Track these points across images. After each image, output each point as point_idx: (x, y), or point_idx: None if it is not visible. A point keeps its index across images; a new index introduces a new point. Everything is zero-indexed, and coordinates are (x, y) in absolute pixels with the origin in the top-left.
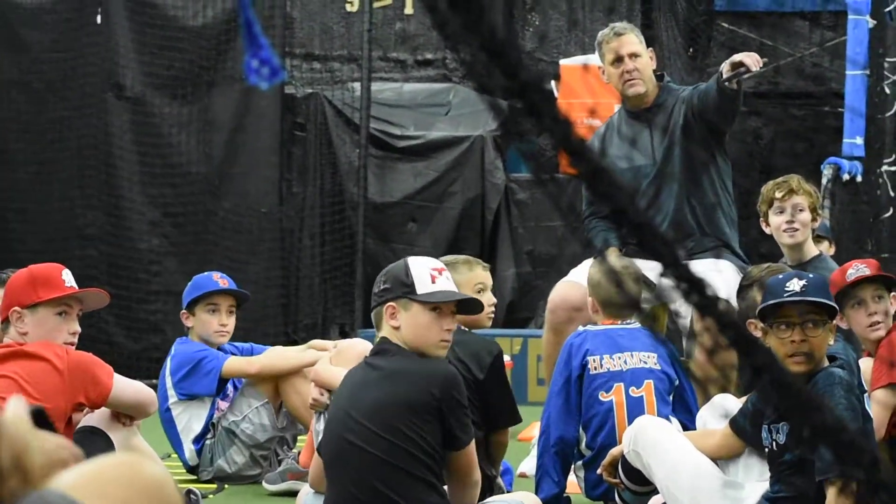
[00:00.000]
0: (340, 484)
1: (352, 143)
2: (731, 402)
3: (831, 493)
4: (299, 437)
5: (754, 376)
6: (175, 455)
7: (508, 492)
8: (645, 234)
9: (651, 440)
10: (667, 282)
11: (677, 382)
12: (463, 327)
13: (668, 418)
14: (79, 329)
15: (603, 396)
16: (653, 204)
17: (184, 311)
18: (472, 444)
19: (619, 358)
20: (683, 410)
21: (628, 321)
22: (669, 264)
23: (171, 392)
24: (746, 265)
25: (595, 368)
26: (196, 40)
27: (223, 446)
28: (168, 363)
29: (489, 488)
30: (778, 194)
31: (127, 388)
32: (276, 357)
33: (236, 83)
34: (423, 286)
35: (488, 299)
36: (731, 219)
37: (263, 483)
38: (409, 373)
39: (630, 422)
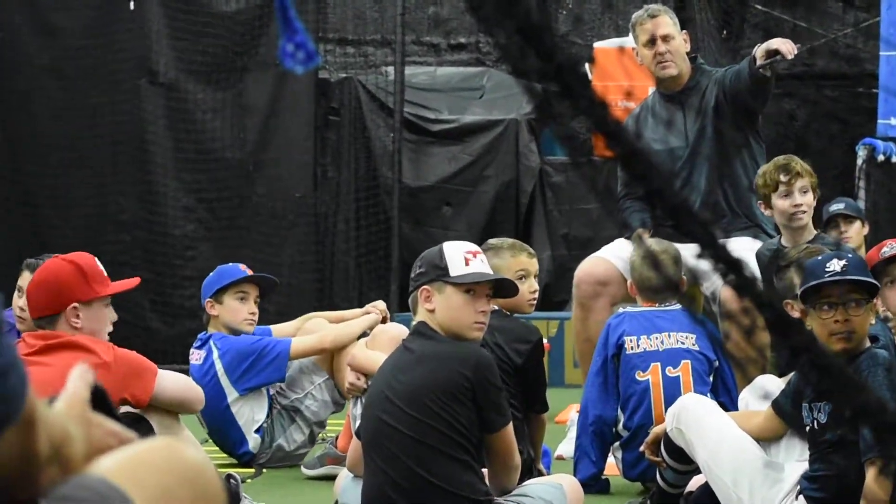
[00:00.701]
0: (377, 465)
1: (386, 128)
2: (771, 383)
3: (871, 474)
4: (330, 421)
5: (793, 357)
6: (211, 439)
7: (547, 474)
8: (681, 215)
9: (694, 418)
10: (704, 263)
11: (717, 364)
12: (505, 311)
13: (707, 393)
14: (116, 316)
15: (640, 376)
16: (686, 185)
17: (208, 300)
18: (510, 427)
19: (657, 338)
20: (724, 392)
21: (667, 304)
22: (706, 245)
23: (229, 391)
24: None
25: (632, 348)
26: (230, 25)
27: (283, 425)
28: (217, 363)
29: (528, 471)
30: (783, 178)
31: (171, 387)
32: (344, 327)
33: (270, 68)
34: (456, 269)
35: (530, 286)
36: None
37: (302, 468)
38: (441, 356)
39: (667, 402)
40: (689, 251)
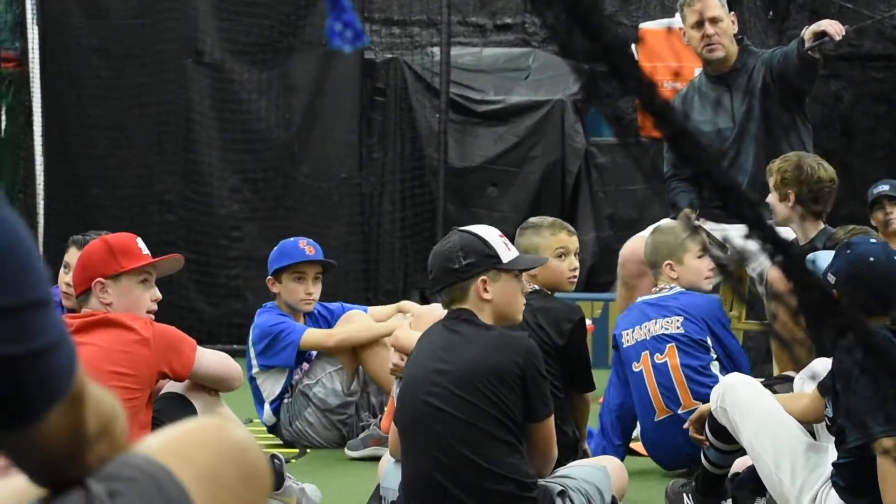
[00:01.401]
0: (421, 449)
1: (431, 108)
2: (819, 364)
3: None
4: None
5: (839, 336)
6: (257, 420)
7: (592, 455)
8: (729, 195)
9: (738, 398)
10: (752, 243)
11: (708, 340)
12: (546, 290)
13: (703, 373)
14: (160, 296)
15: (635, 367)
16: (733, 165)
17: (270, 277)
18: (552, 420)
19: (644, 328)
20: (733, 370)
21: (665, 287)
22: (755, 225)
23: (254, 362)
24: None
25: (627, 342)
26: (275, 5)
27: (299, 408)
28: (251, 333)
29: (573, 451)
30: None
31: (210, 361)
32: (354, 330)
33: (316, 48)
34: (505, 255)
35: (570, 264)
36: None
37: (346, 450)
38: (494, 340)
39: (660, 389)
40: (736, 232)
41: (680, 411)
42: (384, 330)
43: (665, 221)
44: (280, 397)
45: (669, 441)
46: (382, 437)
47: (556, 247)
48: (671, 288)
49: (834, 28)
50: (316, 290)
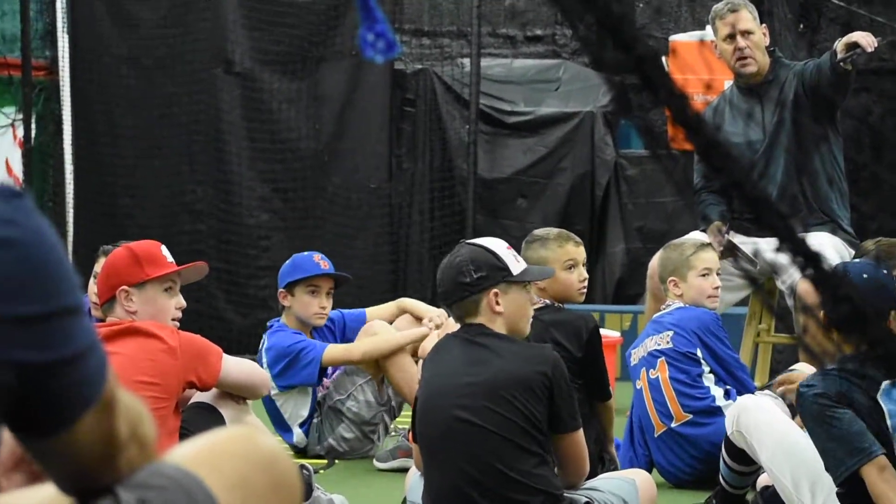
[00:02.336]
0: (449, 461)
1: (461, 119)
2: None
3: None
4: (403, 412)
5: (870, 349)
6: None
7: (619, 461)
8: (761, 207)
9: (753, 421)
10: (783, 256)
11: (698, 352)
12: (556, 304)
13: (693, 386)
14: (184, 304)
15: (637, 384)
16: (763, 177)
17: (282, 290)
18: (581, 433)
19: (643, 347)
20: (730, 380)
21: (667, 305)
22: (786, 238)
23: (271, 384)
24: (856, 241)
25: (633, 361)
26: (305, 15)
27: (331, 425)
28: (264, 356)
29: (598, 457)
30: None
31: (236, 369)
32: (378, 342)
33: (346, 59)
34: (514, 268)
35: (579, 275)
36: (841, 194)
37: (374, 461)
38: (521, 352)
39: (654, 403)
40: (767, 245)
41: (673, 425)
42: (406, 339)
43: (682, 238)
44: (309, 418)
45: (669, 456)
46: (410, 449)
47: (565, 259)
48: (673, 304)
49: (866, 40)
50: (328, 304)
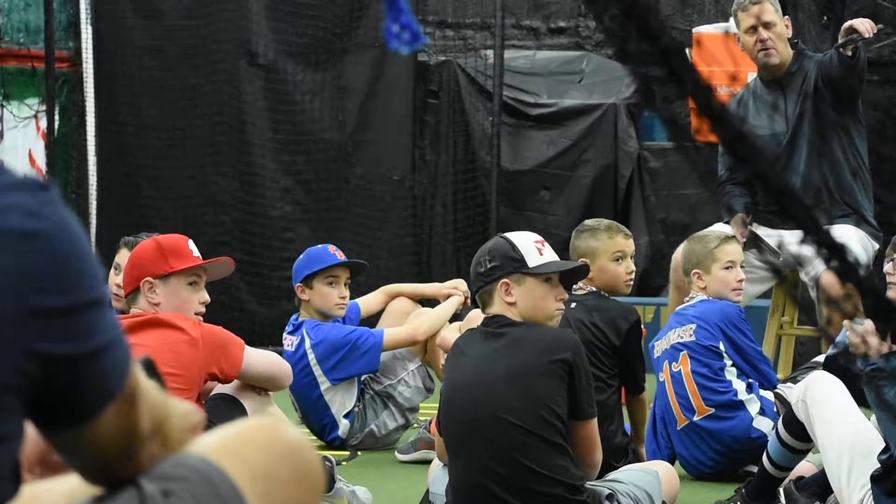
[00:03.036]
0: (471, 453)
1: (485, 111)
2: None
3: None
4: (423, 405)
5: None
6: (303, 423)
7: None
8: (786, 199)
9: (820, 393)
10: (807, 248)
11: (720, 346)
12: (603, 293)
13: (715, 379)
14: (208, 299)
15: (660, 377)
16: (787, 167)
17: (299, 284)
18: (595, 422)
19: (666, 339)
20: (752, 373)
21: (694, 297)
22: (810, 230)
23: (322, 380)
24: (879, 233)
25: (656, 353)
26: (329, 7)
27: (375, 411)
28: (310, 353)
29: (625, 453)
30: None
31: (258, 361)
32: (434, 317)
33: (369, 50)
34: (532, 259)
35: (627, 267)
36: (864, 186)
37: (396, 452)
38: (539, 339)
39: (676, 397)
40: (791, 237)
41: (695, 418)
42: (452, 310)
43: (705, 229)
44: (354, 407)
45: (691, 449)
46: (433, 441)
47: (614, 250)
48: (697, 297)
49: (863, 25)
50: (347, 293)
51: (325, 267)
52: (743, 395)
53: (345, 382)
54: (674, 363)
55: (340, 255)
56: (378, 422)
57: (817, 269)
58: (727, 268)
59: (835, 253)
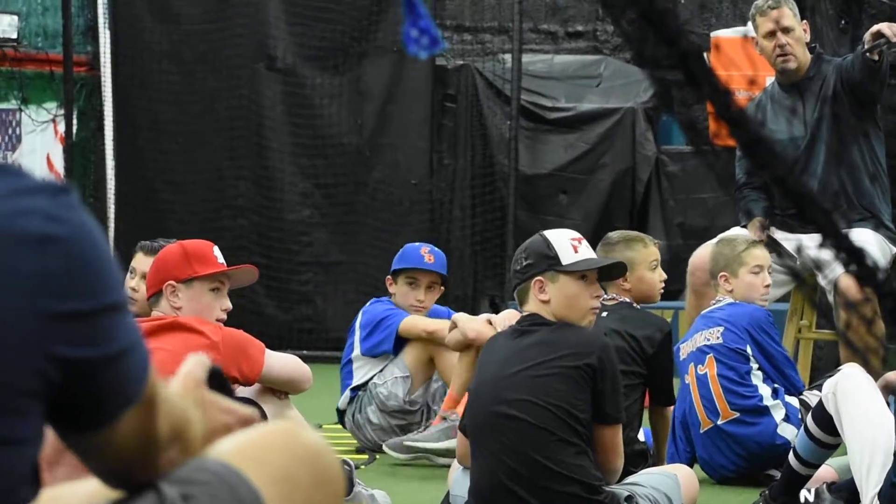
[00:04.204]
0: (490, 453)
1: (502, 115)
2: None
3: None
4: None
5: None
6: (326, 425)
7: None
8: (804, 203)
9: (851, 388)
10: (826, 252)
11: (748, 349)
12: (635, 304)
13: (741, 383)
14: (230, 306)
15: (686, 379)
16: (806, 171)
17: (389, 276)
18: (619, 428)
19: (692, 342)
20: (779, 378)
21: (721, 300)
22: (829, 234)
23: (356, 345)
24: None
25: (682, 356)
26: (347, 11)
27: (365, 403)
28: (359, 317)
29: (645, 459)
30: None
31: (279, 364)
32: (458, 326)
33: (387, 54)
34: (567, 257)
35: (661, 275)
36: (882, 190)
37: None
38: (566, 341)
39: (702, 400)
40: (810, 241)
41: (719, 422)
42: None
43: (729, 232)
44: (361, 388)
45: (714, 453)
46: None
47: (651, 259)
48: (724, 300)
49: (892, 30)
50: (429, 298)
51: (406, 268)
52: (769, 400)
53: (373, 360)
54: (700, 365)
55: (429, 259)
56: (363, 415)
57: (836, 273)
58: (755, 272)
59: (853, 257)
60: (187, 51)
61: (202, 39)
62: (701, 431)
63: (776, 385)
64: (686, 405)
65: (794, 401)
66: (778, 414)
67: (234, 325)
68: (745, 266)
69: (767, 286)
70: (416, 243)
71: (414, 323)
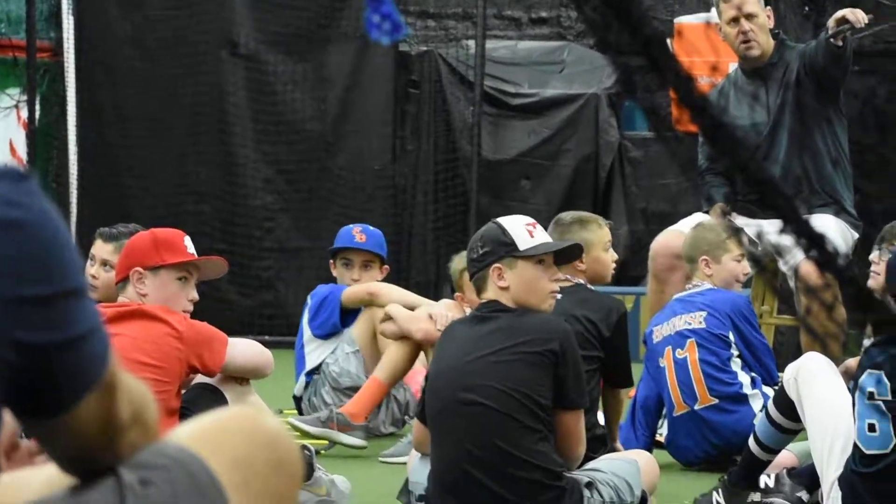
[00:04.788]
0: (454, 442)
1: (466, 101)
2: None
3: None
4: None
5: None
6: (287, 410)
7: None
8: (766, 189)
9: (811, 373)
10: (786, 237)
11: (730, 335)
12: (588, 285)
13: (722, 370)
14: (197, 297)
15: (661, 362)
16: (768, 158)
17: (332, 260)
18: (582, 413)
19: (670, 323)
20: (756, 366)
21: (697, 284)
22: (790, 219)
23: (306, 329)
24: (858, 223)
25: (656, 338)
26: None
27: (318, 386)
28: (308, 302)
29: (603, 444)
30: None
31: (241, 355)
32: (394, 291)
33: (351, 40)
34: (523, 242)
35: (613, 255)
36: (844, 176)
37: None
38: (527, 326)
39: (679, 384)
40: (771, 226)
41: (696, 407)
42: (415, 301)
43: (708, 217)
44: (314, 371)
45: (685, 437)
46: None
47: (605, 240)
48: (702, 285)
49: (855, 15)
50: (367, 277)
51: (337, 248)
52: (748, 389)
53: (327, 342)
54: (678, 349)
55: (361, 238)
56: (318, 396)
57: (796, 259)
58: (737, 260)
59: (814, 242)
60: (150, 36)
61: (165, 25)
62: (675, 415)
63: (754, 374)
64: (652, 390)
65: (770, 391)
66: (756, 404)
67: (196, 310)
68: (729, 253)
69: (746, 273)
70: (351, 225)
71: (354, 289)
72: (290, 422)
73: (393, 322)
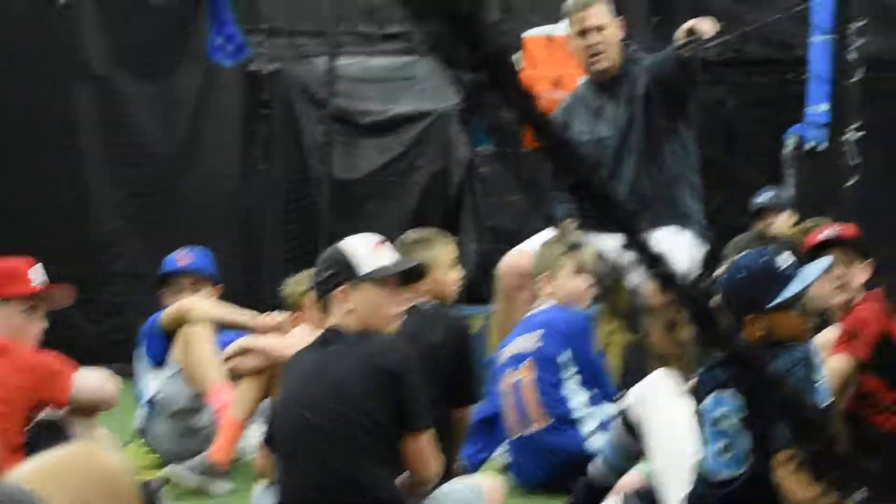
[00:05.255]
0: (297, 468)
1: (317, 120)
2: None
3: (785, 469)
4: None
5: (714, 351)
6: (138, 441)
7: (472, 470)
8: (607, 206)
9: (655, 396)
10: (628, 255)
11: (567, 355)
12: (430, 302)
13: (557, 390)
14: (46, 325)
15: (501, 386)
16: (613, 175)
17: (162, 289)
18: (430, 434)
19: (514, 345)
20: (595, 384)
21: (542, 303)
22: (631, 237)
23: (143, 359)
24: (707, 235)
25: (501, 360)
26: (161, 18)
27: (152, 416)
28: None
29: (448, 472)
30: None
31: (88, 385)
32: (205, 303)
33: (201, 61)
34: (366, 265)
35: (458, 273)
36: (693, 189)
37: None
38: (364, 350)
39: (516, 406)
40: (613, 243)
41: (532, 429)
42: (238, 320)
43: (553, 235)
44: (149, 404)
45: (526, 459)
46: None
47: (452, 257)
48: (547, 303)
49: (704, 26)
50: (199, 298)
51: (162, 275)
52: (582, 408)
53: (162, 371)
54: (515, 371)
55: (184, 262)
56: (150, 432)
57: (639, 278)
58: (574, 275)
59: (656, 262)
60: (0, 58)
61: (14, 47)
62: (513, 438)
63: (595, 390)
64: (492, 409)
65: (610, 408)
66: (591, 423)
67: (44, 339)
68: (564, 268)
69: (588, 288)
70: (174, 252)
71: (168, 310)
72: (167, 472)
73: (250, 357)
